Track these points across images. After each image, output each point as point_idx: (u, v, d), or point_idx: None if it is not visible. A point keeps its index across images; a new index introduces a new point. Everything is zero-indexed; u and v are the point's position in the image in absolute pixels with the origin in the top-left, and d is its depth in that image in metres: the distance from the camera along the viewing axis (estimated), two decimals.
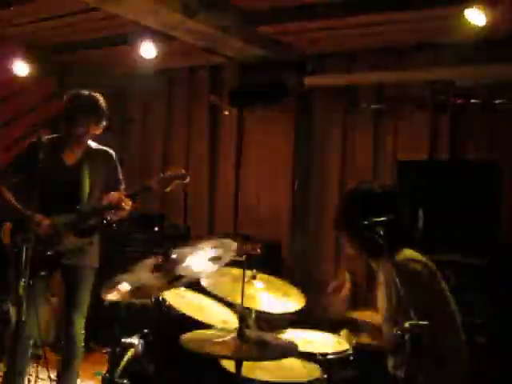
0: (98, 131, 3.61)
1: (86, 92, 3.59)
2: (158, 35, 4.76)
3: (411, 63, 4.85)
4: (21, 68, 5.14)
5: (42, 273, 3.24)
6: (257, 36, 4.88)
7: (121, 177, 3.72)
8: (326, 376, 2.66)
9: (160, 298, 2.83)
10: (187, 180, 3.52)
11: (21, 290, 2.70)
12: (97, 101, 3.58)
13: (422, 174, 4.56)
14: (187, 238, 5.57)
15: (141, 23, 4.50)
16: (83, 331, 3.63)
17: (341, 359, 2.84)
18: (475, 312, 3.77)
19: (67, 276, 3.57)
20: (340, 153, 5.28)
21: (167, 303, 2.88)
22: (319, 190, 5.38)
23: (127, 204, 3.47)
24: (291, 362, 2.77)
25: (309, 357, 2.81)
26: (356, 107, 5.07)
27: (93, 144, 3.66)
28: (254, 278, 2.99)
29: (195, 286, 3.07)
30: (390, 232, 2.41)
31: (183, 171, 3.54)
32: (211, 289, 2.94)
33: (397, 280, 2.31)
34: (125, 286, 2.52)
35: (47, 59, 5.46)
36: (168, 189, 3.48)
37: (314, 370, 2.71)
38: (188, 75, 6.10)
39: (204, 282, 2.90)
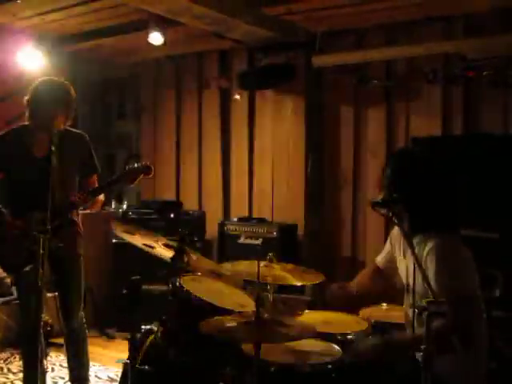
0: (66, 122, 3.42)
1: (54, 80, 3.44)
2: (165, 22, 4.75)
3: (421, 37, 4.78)
4: (30, 61, 5.11)
5: (27, 268, 3.14)
6: (264, 17, 4.85)
7: (96, 163, 3.60)
8: (346, 356, 2.65)
9: (177, 284, 2.84)
10: (152, 174, 3.43)
11: (39, 280, 2.71)
12: (64, 89, 3.40)
13: (436, 150, 4.50)
14: (202, 224, 5.59)
15: (148, 10, 4.50)
16: (83, 319, 3.63)
17: None
18: (491, 286, 3.76)
19: (55, 267, 3.46)
20: (352, 130, 5.26)
21: (185, 289, 2.90)
22: (332, 168, 5.36)
23: (97, 203, 3.54)
24: (310, 343, 2.77)
25: (328, 337, 2.82)
26: (367, 84, 5.02)
27: (64, 129, 3.44)
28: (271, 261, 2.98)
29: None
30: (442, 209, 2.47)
31: (148, 164, 3.42)
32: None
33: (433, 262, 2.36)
34: None
35: (56, 51, 5.46)
36: (134, 184, 3.41)
37: (334, 351, 2.71)
38: (197, 61, 6.08)
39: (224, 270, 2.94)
